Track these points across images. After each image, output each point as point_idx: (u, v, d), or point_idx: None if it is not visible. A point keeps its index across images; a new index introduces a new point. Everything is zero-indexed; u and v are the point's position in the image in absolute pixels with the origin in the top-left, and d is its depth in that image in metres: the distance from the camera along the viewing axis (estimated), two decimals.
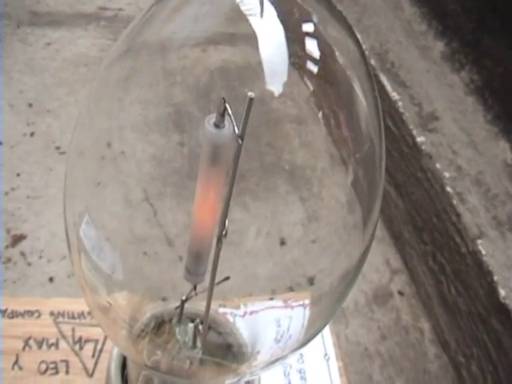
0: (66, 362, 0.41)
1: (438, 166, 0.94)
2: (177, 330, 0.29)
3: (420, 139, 0.98)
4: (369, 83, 0.25)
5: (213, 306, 0.27)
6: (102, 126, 0.27)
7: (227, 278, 0.27)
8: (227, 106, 0.21)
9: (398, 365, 0.90)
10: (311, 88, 0.24)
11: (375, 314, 0.96)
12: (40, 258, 0.95)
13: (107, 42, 1.33)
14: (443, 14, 1.14)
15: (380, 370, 0.89)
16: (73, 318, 0.43)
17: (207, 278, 0.26)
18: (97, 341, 0.42)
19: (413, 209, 1.01)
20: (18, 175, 1.06)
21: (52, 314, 0.43)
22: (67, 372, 0.40)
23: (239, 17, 0.23)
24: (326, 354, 0.44)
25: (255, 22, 0.22)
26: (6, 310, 0.43)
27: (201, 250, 0.26)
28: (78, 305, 0.43)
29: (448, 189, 0.91)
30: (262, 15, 0.22)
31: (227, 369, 0.30)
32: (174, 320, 0.30)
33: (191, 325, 0.29)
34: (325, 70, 0.24)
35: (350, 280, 0.27)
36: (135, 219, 0.31)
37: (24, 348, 0.41)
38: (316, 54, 0.23)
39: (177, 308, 0.28)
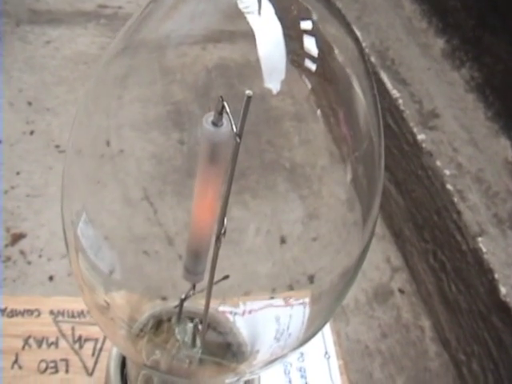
0: (66, 360, 0.41)
1: (438, 163, 0.94)
2: (176, 329, 0.29)
3: (420, 137, 0.98)
4: (368, 81, 0.25)
5: (212, 304, 0.27)
6: (100, 124, 0.27)
7: (226, 277, 0.27)
8: (225, 104, 0.21)
9: (399, 363, 0.90)
10: (310, 86, 0.24)
11: (376, 312, 0.95)
12: (40, 256, 0.94)
13: (107, 40, 1.33)
14: (443, 12, 1.14)
15: (381, 368, 0.89)
16: (72, 316, 0.43)
17: (206, 276, 0.26)
18: (97, 339, 0.42)
19: (413, 206, 1.01)
20: (18, 174, 1.06)
21: (52, 312, 0.43)
22: (67, 371, 0.40)
23: (238, 14, 0.23)
24: (326, 353, 0.44)
25: (253, 20, 0.22)
26: (6, 308, 0.42)
27: (199, 249, 0.25)
28: (78, 303, 0.43)
29: (448, 186, 0.91)
30: (259, 13, 0.22)
31: (227, 368, 0.30)
32: (173, 319, 0.30)
33: (190, 324, 0.29)
34: (323, 67, 0.24)
35: (350, 278, 0.27)
36: (134, 218, 0.31)
37: (24, 347, 0.41)
38: (315, 51, 0.23)
39: (176, 307, 0.28)
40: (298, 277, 0.30)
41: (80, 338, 0.42)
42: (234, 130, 0.21)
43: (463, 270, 0.88)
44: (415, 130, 0.99)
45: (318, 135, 0.28)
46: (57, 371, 0.40)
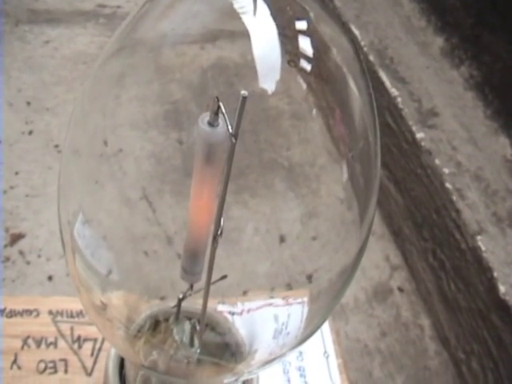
0: (65, 361, 0.41)
1: (437, 162, 0.94)
2: (174, 329, 0.29)
3: (419, 135, 0.98)
4: (363, 80, 0.25)
5: (210, 304, 0.27)
6: (97, 123, 0.27)
7: (224, 277, 0.27)
8: (221, 104, 0.21)
9: (398, 361, 0.90)
10: (307, 85, 0.24)
11: (375, 310, 0.95)
12: (39, 256, 0.94)
13: (106, 40, 1.32)
14: (442, 10, 1.14)
15: (380, 366, 0.89)
16: (71, 316, 0.43)
17: (204, 276, 0.26)
18: (95, 339, 0.42)
19: (412, 205, 1.01)
20: (17, 174, 1.06)
21: (51, 312, 0.43)
22: (66, 371, 0.40)
23: (235, 13, 0.23)
24: (325, 352, 0.44)
25: (248, 21, 0.22)
26: (5, 309, 0.42)
27: (197, 249, 0.25)
28: (77, 304, 0.43)
29: (447, 185, 0.91)
30: (255, 13, 0.22)
31: (225, 368, 0.30)
32: (171, 319, 0.30)
33: (188, 324, 0.29)
34: (319, 67, 0.24)
35: (348, 276, 0.27)
36: (132, 217, 0.31)
37: (23, 347, 0.41)
38: (310, 51, 0.23)
39: (174, 307, 0.28)
40: (296, 276, 0.30)
41: (79, 338, 0.42)
42: (230, 130, 0.21)
43: (462, 269, 0.88)
44: (414, 128, 0.99)
45: (316, 134, 0.28)
46: (56, 371, 0.40)
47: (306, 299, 0.29)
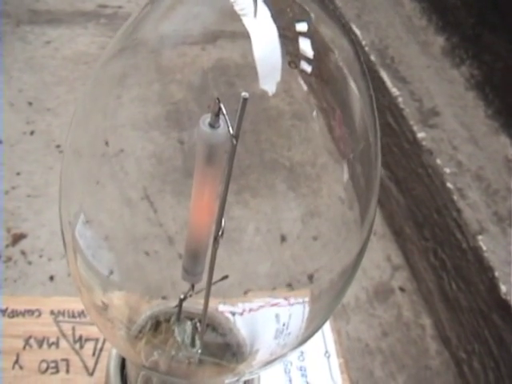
0: (67, 360, 0.41)
1: (438, 161, 0.94)
2: (175, 329, 0.29)
3: (420, 135, 0.98)
4: (364, 81, 0.25)
5: (211, 304, 0.27)
6: (98, 124, 0.27)
7: (225, 277, 0.27)
8: (221, 105, 0.21)
9: (400, 361, 0.90)
10: (307, 86, 0.24)
11: (376, 310, 0.95)
12: (40, 256, 0.95)
13: (107, 40, 1.33)
14: (443, 9, 1.14)
15: (381, 366, 0.89)
16: (73, 316, 0.43)
17: (205, 277, 0.26)
18: (97, 339, 0.42)
19: (413, 205, 1.01)
20: (18, 174, 1.06)
21: (52, 312, 0.43)
22: (68, 371, 0.40)
23: (234, 15, 0.23)
24: (326, 351, 0.44)
25: (249, 22, 0.22)
26: (7, 309, 0.43)
27: (198, 250, 0.25)
28: (78, 303, 0.43)
29: (448, 184, 0.91)
30: (255, 15, 0.22)
31: (226, 368, 0.30)
32: (172, 320, 0.30)
33: (189, 324, 0.29)
34: (320, 68, 0.24)
35: (349, 276, 0.27)
36: (134, 218, 0.31)
37: (24, 347, 0.41)
38: (311, 52, 0.23)
39: (175, 307, 0.28)
40: (297, 276, 0.30)
41: (80, 337, 0.42)
42: (231, 131, 0.21)
43: (463, 268, 0.88)
44: (415, 128, 0.99)
45: (317, 135, 0.28)
46: (57, 371, 0.40)
47: (307, 299, 0.29)
